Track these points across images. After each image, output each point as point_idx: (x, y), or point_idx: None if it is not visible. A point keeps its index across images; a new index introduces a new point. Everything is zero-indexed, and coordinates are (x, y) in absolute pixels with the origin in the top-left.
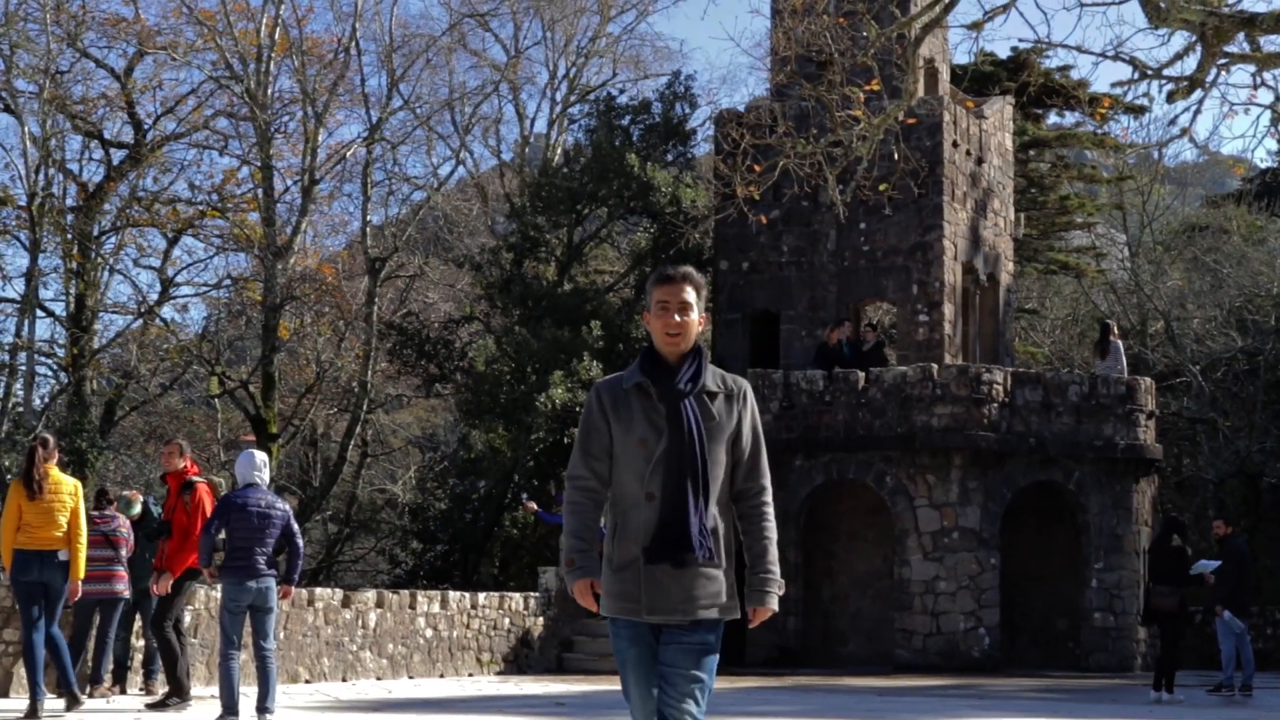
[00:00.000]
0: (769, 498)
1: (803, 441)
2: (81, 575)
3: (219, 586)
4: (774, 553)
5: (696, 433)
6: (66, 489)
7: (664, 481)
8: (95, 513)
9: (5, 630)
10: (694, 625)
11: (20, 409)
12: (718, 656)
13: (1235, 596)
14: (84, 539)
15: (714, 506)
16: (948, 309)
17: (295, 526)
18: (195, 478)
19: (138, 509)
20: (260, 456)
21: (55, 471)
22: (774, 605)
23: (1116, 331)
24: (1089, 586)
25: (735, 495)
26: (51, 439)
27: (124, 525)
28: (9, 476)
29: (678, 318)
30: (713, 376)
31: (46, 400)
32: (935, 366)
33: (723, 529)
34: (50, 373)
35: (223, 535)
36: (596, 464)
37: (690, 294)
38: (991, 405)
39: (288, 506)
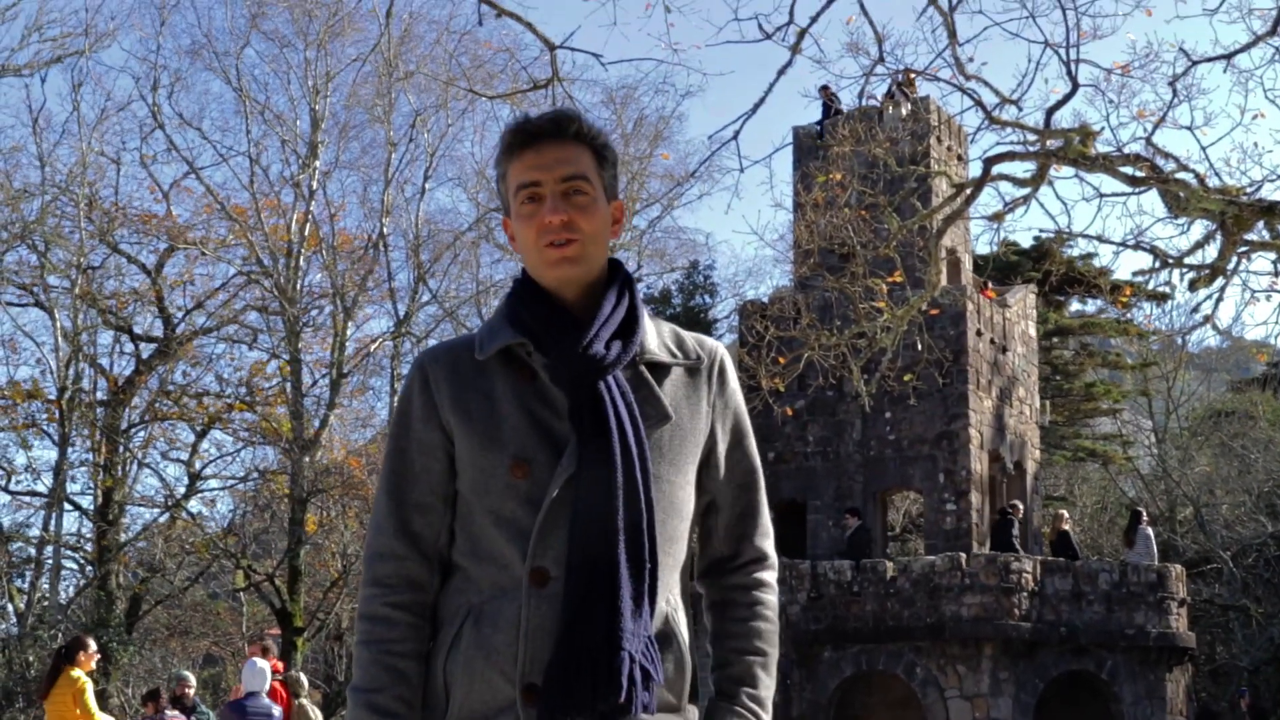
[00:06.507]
0: (772, 575)
1: (831, 632)
2: None
3: None
4: (767, 681)
5: (635, 444)
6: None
7: (570, 547)
8: (154, 716)
9: None
10: None
11: (45, 603)
12: None
13: None
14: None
15: (671, 592)
16: (975, 497)
17: None
18: (276, 675)
19: (192, 680)
20: (266, 668)
21: (71, 673)
22: None
23: (1146, 519)
24: None
25: (710, 567)
26: (81, 640)
27: None
28: (31, 672)
29: (559, 215)
30: (660, 332)
31: (72, 594)
32: (964, 556)
33: (684, 637)
34: (76, 566)
35: None
36: (421, 522)
37: (582, 159)
38: (1021, 594)
39: (279, 712)
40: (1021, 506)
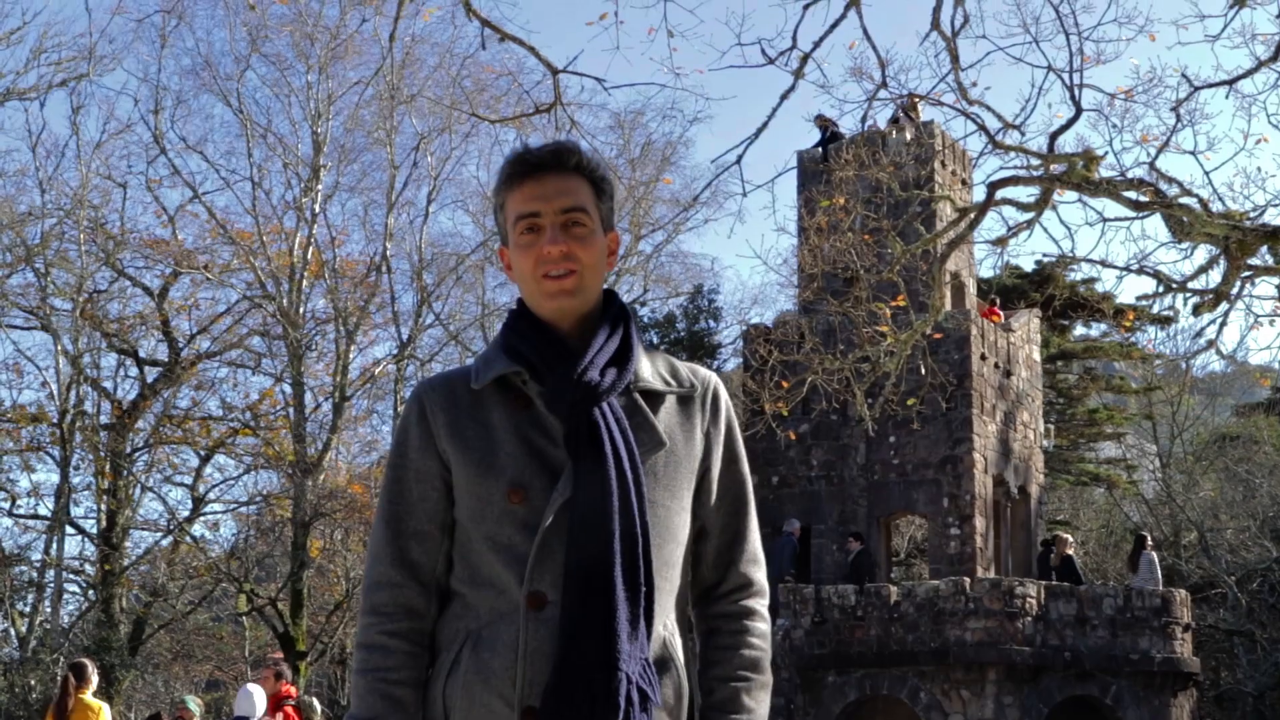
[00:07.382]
0: (759, 602)
1: (834, 656)
2: None
3: None
4: (752, 706)
5: (630, 469)
6: (93, 712)
7: (567, 570)
8: None
9: None
10: None
11: (47, 626)
12: None
13: None
14: None
15: (668, 617)
16: (979, 522)
17: None
18: (289, 700)
19: (194, 706)
20: (256, 694)
21: (86, 698)
22: None
23: (1150, 543)
24: None
25: (700, 596)
26: (88, 665)
27: None
28: (33, 695)
29: (559, 245)
30: (655, 363)
31: (74, 618)
32: (968, 580)
33: (682, 663)
34: (79, 590)
35: None
36: (419, 551)
37: (581, 191)
38: (1025, 619)
39: None
40: (1068, 539)
